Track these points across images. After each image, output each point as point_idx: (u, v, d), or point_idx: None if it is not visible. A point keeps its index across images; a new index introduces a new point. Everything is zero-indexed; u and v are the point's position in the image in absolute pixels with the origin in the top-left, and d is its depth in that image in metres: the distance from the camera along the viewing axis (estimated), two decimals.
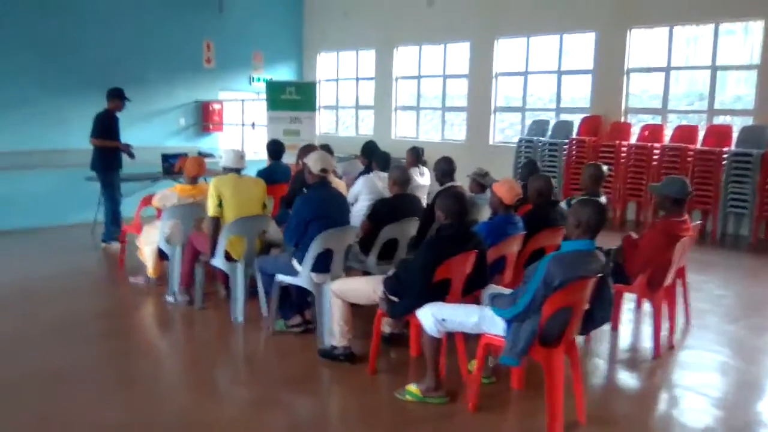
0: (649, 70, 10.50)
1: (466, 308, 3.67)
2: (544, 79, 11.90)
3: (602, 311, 3.52)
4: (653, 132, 10.13)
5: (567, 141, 10.74)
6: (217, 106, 14.21)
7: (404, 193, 4.95)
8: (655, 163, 9.79)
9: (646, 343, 4.93)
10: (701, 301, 6.02)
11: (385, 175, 6.29)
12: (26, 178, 9.42)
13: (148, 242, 6.09)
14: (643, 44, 10.46)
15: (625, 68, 10.49)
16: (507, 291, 3.74)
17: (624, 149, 10.16)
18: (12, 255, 7.55)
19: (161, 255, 5.98)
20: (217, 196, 5.15)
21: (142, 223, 6.39)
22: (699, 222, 5.63)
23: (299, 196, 4.72)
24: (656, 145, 9.86)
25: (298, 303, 4.98)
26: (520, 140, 11.43)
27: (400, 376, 4.15)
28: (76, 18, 12.12)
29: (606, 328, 5.23)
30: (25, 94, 11.33)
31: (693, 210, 9.52)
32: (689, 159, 9.45)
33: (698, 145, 9.55)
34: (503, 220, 4.44)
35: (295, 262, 4.65)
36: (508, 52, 12.22)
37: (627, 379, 4.46)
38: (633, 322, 5.48)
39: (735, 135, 9.38)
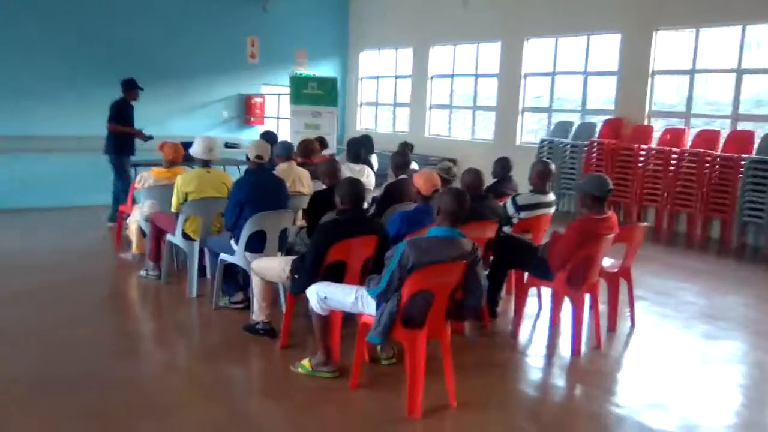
0: (674, 72, 10.22)
1: (345, 288, 3.86)
2: (573, 81, 11.75)
3: (471, 299, 3.63)
4: (675, 136, 9.84)
5: (587, 143, 10.60)
6: (258, 100, 14.81)
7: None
8: (672, 167, 9.54)
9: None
10: (665, 307, 5.92)
11: (354, 166, 6.55)
12: (66, 160, 10.20)
13: (135, 221, 6.58)
14: (672, 46, 10.17)
15: (650, 70, 10.23)
16: None
17: (643, 153, 9.94)
18: (27, 230, 8.07)
19: (143, 233, 6.44)
20: (182, 194, 5.44)
21: (135, 203, 6.87)
22: (646, 223, 5.53)
23: (236, 180, 5.02)
24: (675, 149, 9.58)
25: (243, 282, 5.29)
26: (542, 141, 11.35)
27: (308, 352, 4.35)
28: (124, 12, 13.11)
29: (545, 322, 5.26)
30: (74, 84, 12.31)
31: (710, 218, 9.23)
32: (707, 165, 9.16)
33: (719, 151, 9.22)
34: (420, 210, 4.58)
35: (232, 242, 4.97)
36: (537, 52, 12.14)
37: (527, 371, 4.50)
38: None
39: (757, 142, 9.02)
